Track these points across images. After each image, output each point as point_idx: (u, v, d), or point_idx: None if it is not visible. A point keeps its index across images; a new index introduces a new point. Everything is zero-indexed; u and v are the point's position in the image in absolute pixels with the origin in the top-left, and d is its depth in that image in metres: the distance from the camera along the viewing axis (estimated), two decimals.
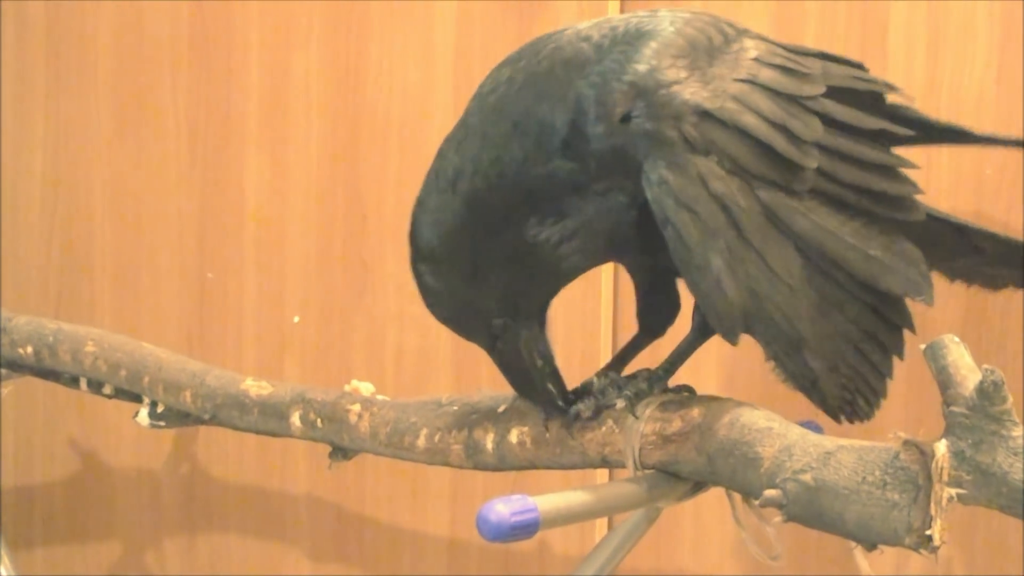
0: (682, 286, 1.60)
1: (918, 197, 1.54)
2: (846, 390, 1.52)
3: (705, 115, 1.42)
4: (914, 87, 1.98)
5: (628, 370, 1.62)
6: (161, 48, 2.54)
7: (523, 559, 2.30)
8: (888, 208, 1.51)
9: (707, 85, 1.44)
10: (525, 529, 1.35)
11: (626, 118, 1.42)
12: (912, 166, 1.54)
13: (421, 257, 1.51)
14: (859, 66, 1.59)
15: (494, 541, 1.35)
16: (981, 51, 1.98)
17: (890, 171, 1.52)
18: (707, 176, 1.41)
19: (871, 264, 1.48)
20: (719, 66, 1.47)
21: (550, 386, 1.55)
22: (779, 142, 1.44)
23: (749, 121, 1.44)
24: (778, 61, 1.51)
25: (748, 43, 1.51)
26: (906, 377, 1.99)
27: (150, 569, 2.64)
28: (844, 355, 1.50)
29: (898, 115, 1.58)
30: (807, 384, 1.49)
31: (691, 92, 1.43)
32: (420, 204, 1.52)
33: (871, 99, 1.56)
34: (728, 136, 1.43)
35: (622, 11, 2.17)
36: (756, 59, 1.50)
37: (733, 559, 2.15)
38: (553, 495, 1.40)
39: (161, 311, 2.57)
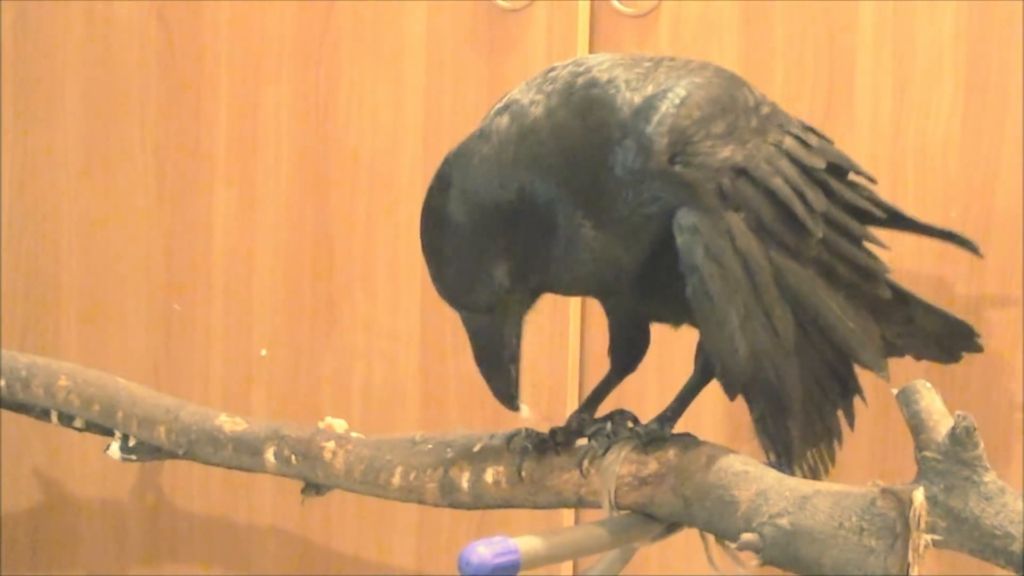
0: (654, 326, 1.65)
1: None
2: (810, 454, 1.59)
3: (741, 172, 1.47)
4: (881, 129, 2.01)
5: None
6: (130, 82, 2.53)
7: None
8: (868, 284, 1.58)
9: (745, 144, 1.48)
10: (506, 570, 1.37)
11: (671, 160, 1.44)
12: (885, 247, 1.60)
13: (449, 200, 1.46)
14: (831, 141, 1.64)
15: None
16: (947, 95, 2.01)
17: (868, 250, 1.59)
18: (735, 231, 1.45)
19: (853, 336, 1.54)
20: (754, 126, 1.51)
21: (511, 369, 1.52)
22: (798, 207, 1.49)
23: (778, 184, 1.49)
24: (794, 131, 1.56)
25: (770, 109, 1.55)
26: (872, 419, 2.04)
27: None
28: (813, 422, 1.57)
29: (861, 194, 1.63)
30: (782, 448, 1.53)
31: (732, 149, 1.47)
32: (468, 152, 1.47)
33: (847, 179, 1.62)
34: (758, 195, 1.48)
35: (591, 51, 2.18)
36: (779, 125, 1.54)
37: None
38: (532, 536, 1.42)
39: (128, 343, 2.57)
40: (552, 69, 1.52)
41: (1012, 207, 1.98)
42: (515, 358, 1.52)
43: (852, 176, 1.63)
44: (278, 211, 2.44)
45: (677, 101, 1.46)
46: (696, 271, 1.44)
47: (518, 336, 1.52)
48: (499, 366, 1.52)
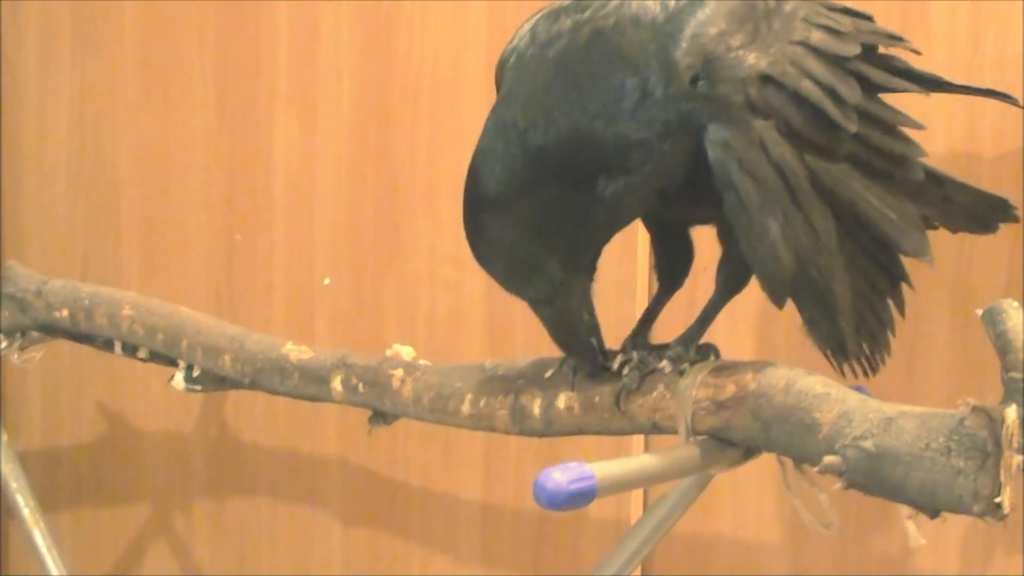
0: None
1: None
2: (865, 348, 1.55)
3: (767, 79, 1.43)
4: (957, 44, 1.96)
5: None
6: (188, 5, 2.51)
7: (556, 525, 2.28)
8: (901, 170, 1.53)
9: (768, 49, 1.44)
10: (582, 496, 1.33)
11: (693, 80, 1.41)
12: (921, 127, 1.54)
13: (486, 205, 1.47)
14: (870, 18, 1.59)
15: (551, 509, 1.33)
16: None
17: (902, 133, 1.54)
18: (767, 141, 1.42)
19: (892, 227, 1.50)
20: (776, 29, 1.46)
21: (592, 341, 1.54)
22: (829, 107, 1.45)
23: (806, 86, 1.44)
24: (822, 21, 1.51)
25: (791, 5, 1.50)
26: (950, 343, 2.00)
27: (178, 531, 2.63)
28: (864, 315, 1.53)
29: (897, 69, 1.58)
30: (836, 346, 1.51)
31: (755, 57, 1.43)
32: (485, 153, 1.48)
33: (882, 55, 1.57)
34: (786, 101, 1.43)
35: None
36: (804, 19, 1.50)
37: (771, 526, 2.13)
38: (608, 462, 1.38)
39: (189, 273, 2.55)
40: (553, 16, 1.50)
41: None
42: (592, 331, 1.53)
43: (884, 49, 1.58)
44: (339, 137, 2.41)
45: (693, 21, 1.43)
46: (732, 186, 1.41)
47: (590, 310, 1.53)
48: (578, 345, 1.54)
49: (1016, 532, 1.96)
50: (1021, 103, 1.74)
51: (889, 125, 1.53)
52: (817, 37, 1.48)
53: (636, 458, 1.43)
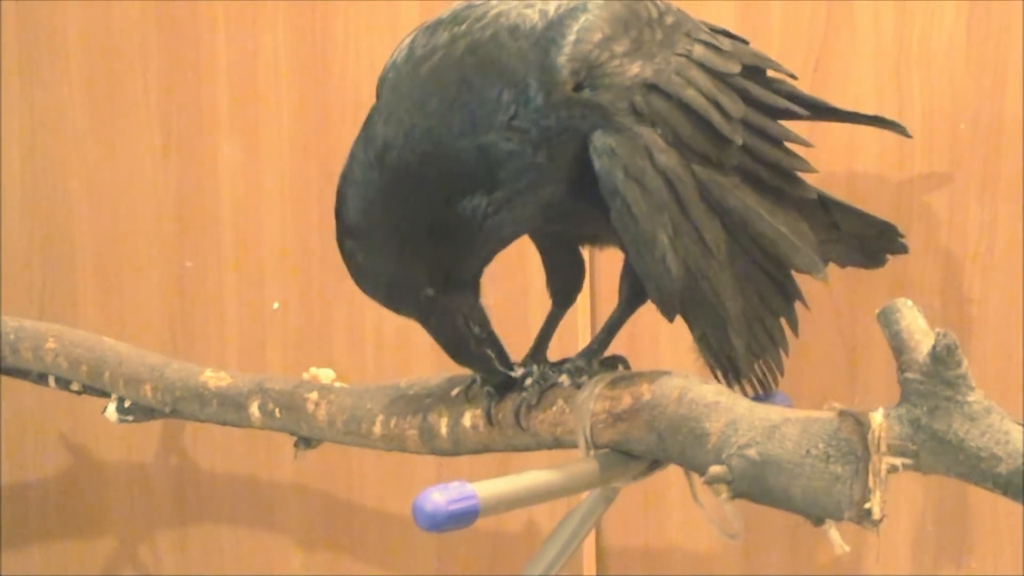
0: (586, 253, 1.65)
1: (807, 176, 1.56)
2: (757, 366, 1.54)
3: (652, 88, 1.41)
4: (884, 40, 1.93)
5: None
6: (130, 37, 2.51)
7: (511, 540, 2.27)
8: (792, 186, 1.53)
9: (652, 59, 1.43)
10: (463, 517, 1.32)
11: (577, 87, 1.39)
12: (808, 144, 1.55)
13: (348, 232, 1.46)
14: (746, 42, 1.59)
15: (431, 531, 1.32)
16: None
17: (789, 149, 1.54)
18: (653, 148, 1.40)
19: (784, 242, 1.49)
20: (659, 39, 1.45)
21: (488, 351, 1.51)
22: (715, 117, 1.44)
23: (691, 95, 1.44)
24: (704, 37, 1.51)
25: (675, 18, 1.50)
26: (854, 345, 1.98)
27: (144, 562, 2.63)
28: (757, 333, 1.52)
29: (781, 91, 1.58)
30: (726, 362, 1.50)
31: (640, 65, 1.42)
32: (345, 178, 1.47)
33: (767, 77, 1.57)
34: (671, 109, 1.42)
35: None
36: (687, 34, 1.49)
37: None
38: (494, 481, 1.37)
39: (143, 301, 2.55)
40: (433, 29, 1.47)
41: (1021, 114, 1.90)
42: (484, 341, 1.51)
43: (772, 73, 1.59)
44: (283, 160, 2.41)
45: (575, 27, 1.40)
46: (618, 194, 1.39)
47: (480, 321, 1.50)
48: (470, 356, 1.52)
49: (963, 534, 1.94)
50: (907, 131, 1.76)
51: (776, 139, 1.52)
52: (699, 51, 1.48)
53: (527, 474, 1.41)
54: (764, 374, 1.56)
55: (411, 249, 1.43)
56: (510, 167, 1.41)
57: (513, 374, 1.53)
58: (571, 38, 1.40)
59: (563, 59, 1.39)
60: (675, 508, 2.14)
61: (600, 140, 1.39)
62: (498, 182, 1.41)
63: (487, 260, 1.50)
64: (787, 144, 1.55)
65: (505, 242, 1.49)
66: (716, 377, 1.51)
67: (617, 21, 1.42)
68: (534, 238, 1.62)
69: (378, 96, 1.53)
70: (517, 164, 1.41)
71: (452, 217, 1.42)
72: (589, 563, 2.19)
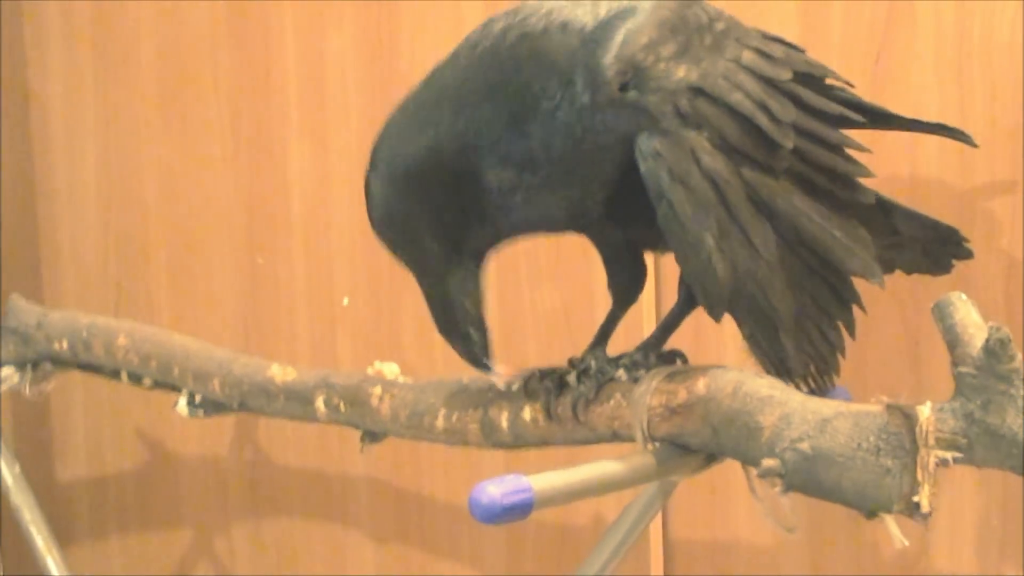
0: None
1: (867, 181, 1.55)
2: (810, 367, 1.53)
3: (698, 91, 1.42)
4: (944, 35, 1.93)
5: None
6: (201, 36, 2.55)
7: (578, 533, 2.28)
8: (848, 191, 1.52)
9: (699, 63, 1.44)
10: (518, 510, 1.34)
11: (622, 88, 1.41)
12: (866, 150, 1.54)
13: (378, 174, 1.52)
14: (803, 50, 1.59)
15: (487, 523, 1.34)
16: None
17: (846, 153, 1.53)
18: (698, 151, 1.41)
19: (837, 245, 1.49)
20: (708, 44, 1.46)
21: (472, 331, 1.55)
22: (763, 120, 1.45)
23: (738, 99, 1.44)
24: (754, 44, 1.51)
25: (725, 24, 1.51)
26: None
27: (219, 554, 2.66)
28: (808, 333, 1.51)
29: (837, 98, 1.57)
30: (777, 362, 1.49)
31: (686, 69, 1.42)
32: (388, 126, 1.53)
33: (823, 84, 1.57)
34: (718, 113, 1.43)
35: None
36: (737, 40, 1.50)
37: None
38: (549, 474, 1.39)
39: (216, 298, 2.58)
40: (488, 23, 1.51)
41: None
42: (475, 322, 1.55)
43: (830, 81, 1.58)
44: (351, 158, 2.43)
45: (623, 29, 1.42)
46: (663, 196, 1.40)
47: (475, 300, 1.55)
48: (456, 332, 1.56)
49: None
50: (972, 139, 1.73)
51: (832, 144, 1.52)
52: (749, 57, 1.49)
53: (583, 467, 1.43)
54: (818, 375, 1.55)
55: (437, 209, 1.49)
56: (547, 157, 1.44)
57: (490, 366, 1.58)
58: (618, 39, 1.41)
59: (609, 59, 1.41)
60: (741, 502, 2.14)
61: (645, 143, 1.40)
62: (534, 169, 1.45)
63: (502, 241, 1.54)
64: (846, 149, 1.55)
65: (526, 229, 1.54)
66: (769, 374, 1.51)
67: (665, 25, 1.44)
68: (593, 241, 1.64)
69: None
70: (554, 155, 1.44)
71: (477, 185, 1.46)
72: (657, 558, 2.20)
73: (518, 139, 1.43)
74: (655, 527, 2.17)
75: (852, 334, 1.56)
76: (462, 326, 1.55)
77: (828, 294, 1.52)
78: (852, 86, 1.61)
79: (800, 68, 1.53)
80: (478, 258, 1.54)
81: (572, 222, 1.56)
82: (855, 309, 1.56)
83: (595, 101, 1.41)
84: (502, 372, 1.56)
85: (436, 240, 1.50)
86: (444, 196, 1.47)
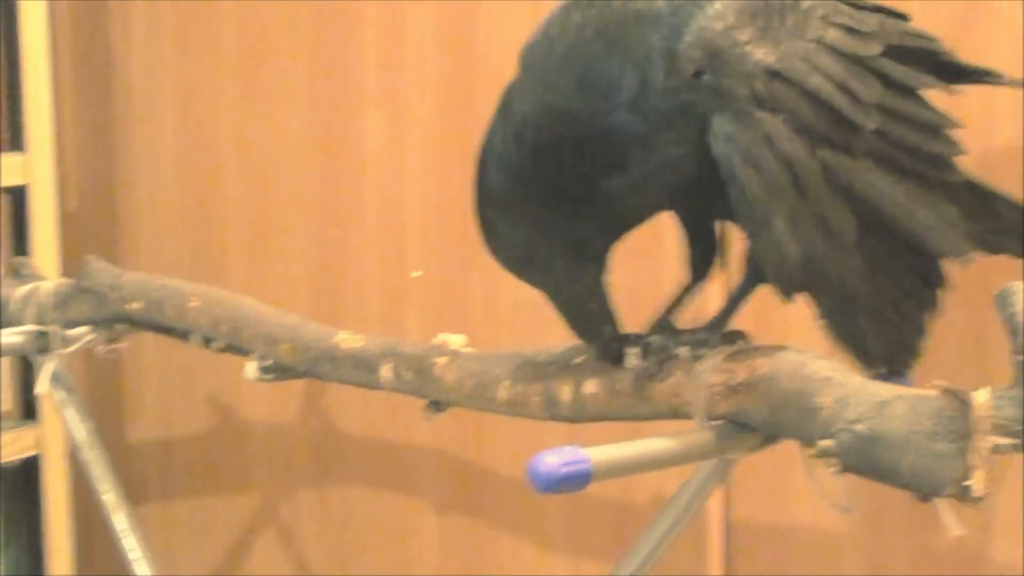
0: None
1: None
2: (889, 349, 1.52)
3: (775, 75, 1.42)
4: None
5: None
6: (281, 9, 2.57)
7: (638, 508, 2.30)
8: (935, 170, 1.50)
9: (778, 45, 1.43)
10: (576, 479, 1.35)
11: (697, 74, 1.42)
12: (958, 126, 1.52)
13: (489, 201, 1.54)
14: (905, 18, 1.56)
15: (545, 492, 1.35)
16: None
17: (938, 132, 1.51)
18: (773, 135, 1.41)
19: (920, 226, 1.47)
20: (789, 25, 1.46)
21: (605, 330, 1.56)
22: (843, 103, 1.43)
23: (816, 82, 1.43)
24: (842, 20, 1.49)
25: (809, 2, 1.49)
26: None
27: (284, 520, 2.69)
28: (888, 314, 1.50)
29: (941, 65, 1.55)
30: (855, 343, 1.49)
31: (763, 52, 1.42)
32: (487, 149, 1.54)
33: (920, 54, 1.54)
34: (795, 96, 1.42)
35: None
36: (822, 17, 1.48)
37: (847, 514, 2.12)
38: (607, 447, 1.40)
39: (287, 268, 2.62)
40: (568, 10, 1.50)
41: None
42: (605, 320, 1.57)
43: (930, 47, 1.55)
44: (426, 132, 2.45)
45: (699, 13, 1.42)
46: (735, 179, 1.40)
47: (600, 301, 1.56)
48: (589, 333, 1.58)
49: None
50: None
51: (921, 123, 1.50)
52: (833, 35, 1.47)
53: (641, 442, 1.44)
54: (899, 357, 1.54)
55: (547, 221, 1.49)
56: (637, 146, 1.45)
57: (626, 355, 1.57)
58: (694, 24, 1.42)
59: (684, 45, 1.41)
60: (801, 486, 2.14)
61: (719, 125, 1.41)
62: (628, 161, 1.45)
63: (619, 237, 1.54)
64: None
65: (638, 221, 1.54)
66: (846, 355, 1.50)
67: (743, 10, 1.43)
68: (677, 216, 1.65)
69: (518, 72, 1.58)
70: (644, 144, 1.45)
71: (588, 193, 1.47)
72: (719, 539, 2.21)
73: (609, 137, 1.45)
74: (716, 506, 2.19)
75: (935, 316, 1.55)
76: (596, 327, 1.56)
77: (911, 276, 1.51)
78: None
79: (893, 40, 1.50)
80: (599, 261, 1.55)
81: (670, 203, 1.57)
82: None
83: (670, 85, 1.42)
84: (647, 365, 1.56)
85: (558, 257, 1.51)
86: (556, 207, 1.48)
